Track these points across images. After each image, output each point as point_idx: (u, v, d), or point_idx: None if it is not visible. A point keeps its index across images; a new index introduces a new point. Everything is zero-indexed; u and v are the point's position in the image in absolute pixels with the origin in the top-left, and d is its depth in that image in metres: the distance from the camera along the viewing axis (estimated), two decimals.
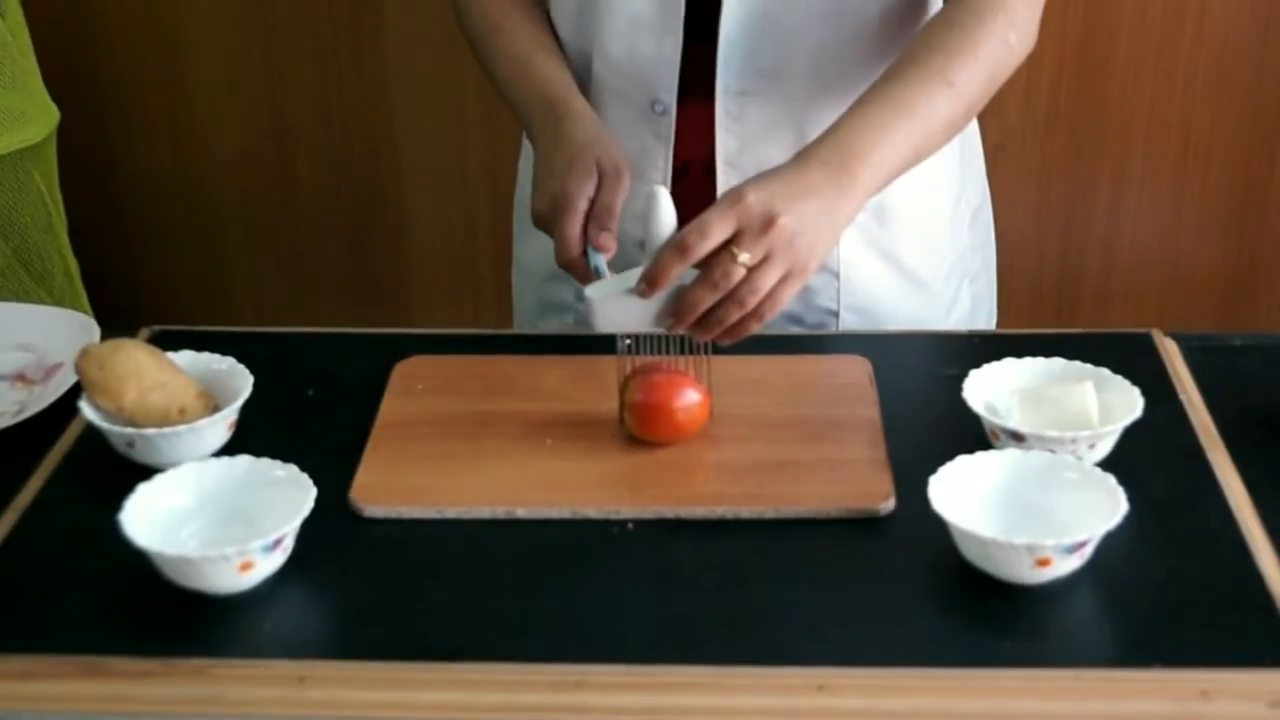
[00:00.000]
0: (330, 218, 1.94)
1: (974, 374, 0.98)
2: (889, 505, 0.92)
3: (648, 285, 0.93)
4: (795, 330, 1.17)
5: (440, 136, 1.88)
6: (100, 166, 1.92)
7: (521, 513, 0.91)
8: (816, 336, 1.15)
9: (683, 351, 0.97)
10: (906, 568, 0.87)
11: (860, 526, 0.90)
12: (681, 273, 0.92)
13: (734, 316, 0.93)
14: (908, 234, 1.18)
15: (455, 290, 1.96)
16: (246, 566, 0.85)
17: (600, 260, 0.97)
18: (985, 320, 1.29)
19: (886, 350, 1.08)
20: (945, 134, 1.02)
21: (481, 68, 1.14)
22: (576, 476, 0.94)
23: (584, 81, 1.12)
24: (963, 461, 0.90)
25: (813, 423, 0.99)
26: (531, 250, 1.22)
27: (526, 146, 1.21)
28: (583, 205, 0.99)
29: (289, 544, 0.88)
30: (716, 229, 0.91)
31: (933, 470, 0.88)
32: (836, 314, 1.18)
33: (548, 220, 1.00)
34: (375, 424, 1.00)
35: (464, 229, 1.92)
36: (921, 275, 1.19)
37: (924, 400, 1.02)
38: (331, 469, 0.93)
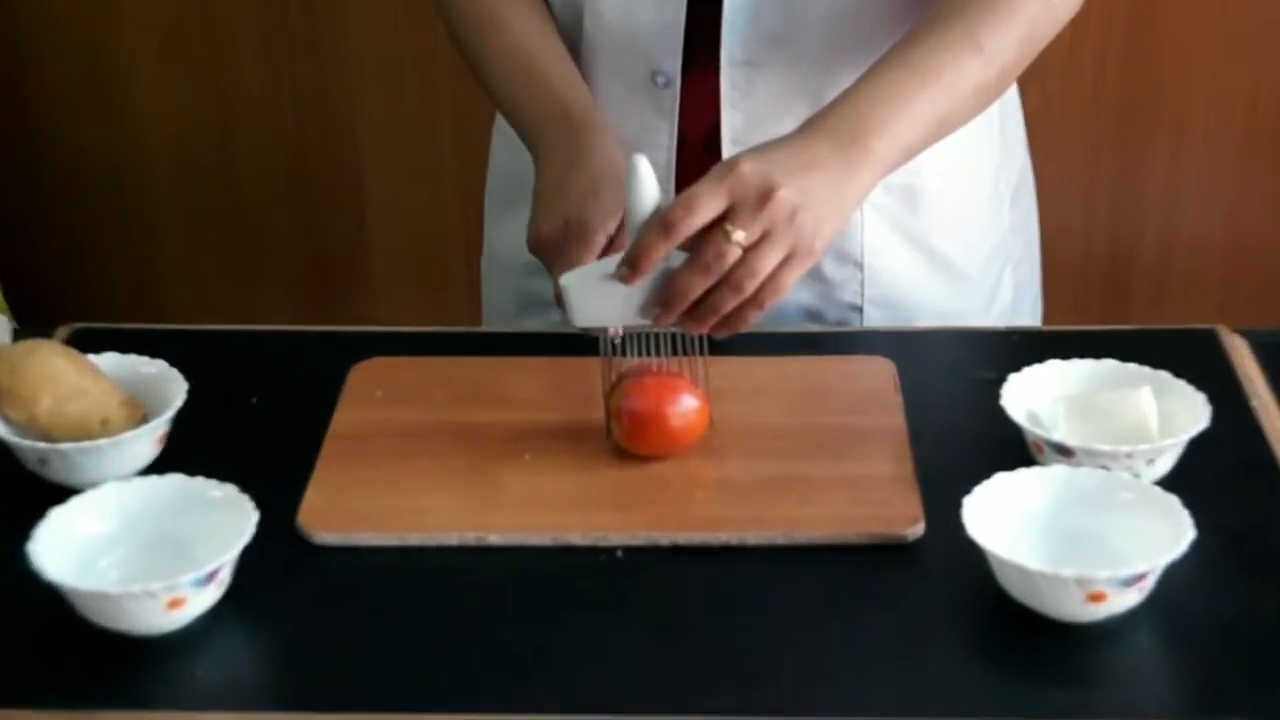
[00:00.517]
0: (279, 203, 1.94)
1: (1014, 378, 0.98)
2: (917, 530, 0.92)
3: (629, 269, 0.92)
4: (812, 328, 1.17)
5: (406, 112, 1.89)
6: (17, 144, 1.92)
7: (495, 539, 0.92)
8: (833, 334, 1.15)
9: (677, 351, 0.97)
10: (937, 603, 0.87)
11: (884, 555, 0.90)
12: (667, 254, 0.92)
13: (730, 303, 0.92)
14: (940, 216, 1.18)
15: (421, 283, 1.97)
16: (176, 604, 0.85)
17: (608, 332, 0.97)
18: (1030, 312, 1.29)
19: (913, 350, 1.08)
20: (975, 103, 1.02)
21: (468, 66, 1.13)
22: (558, 496, 0.94)
23: (574, 50, 1.12)
24: (1001, 480, 0.90)
25: (829, 433, 0.99)
26: (507, 238, 1.22)
27: (501, 121, 1.21)
28: (601, 241, 0.99)
29: (226, 577, 0.88)
30: (706, 203, 0.90)
31: (966, 490, 0.88)
32: (860, 309, 1.18)
33: (553, 247, 1.01)
34: (327, 436, 1.00)
35: (431, 215, 1.93)
36: (957, 263, 1.19)
37: (956, 408, 1.02)
38: (277, 489, 0.94)
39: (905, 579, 0.89)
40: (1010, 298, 1.25)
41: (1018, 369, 0.99)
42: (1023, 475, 0.90)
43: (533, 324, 1.22)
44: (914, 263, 1.18)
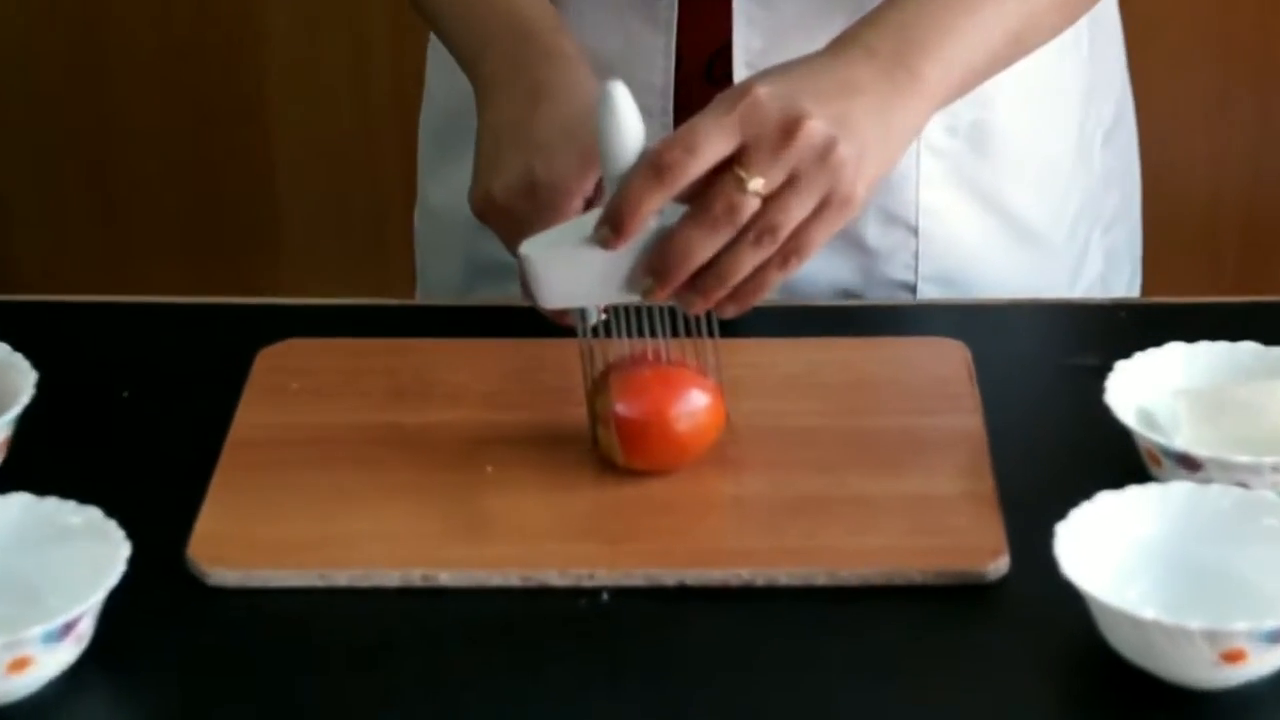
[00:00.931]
0: (164, 146, 1.97)
1: (1122, 366, 0.97)
2: (1000, 567, 0.91)
3: (611, 230, 0.91)
4: (853, 304, 1.17)
5: (326, 29, 1.92)
6: None
7: (446, 578, 0.91)
8: (885, 308, 1.14)
9: (680, 332, 0.96)
10: (1024, 661, 0.86)
11: (957, 600, 0.89)
12: (660, 208, 0.90)
13: (744, 270, 0.91)
14: (1014, 163, 1.17)
15: (343, 244, 2.00)
16: (20, 664, 0.83)
17: (592, 312, 0.98)
18: (1126, 286, 1.29)
19: (988, 329, 1.07)
20: (1058, 16, 1.02)
21: None
22: (530, 522, 0.94)
23: None
24: (1105, 502, 0.89)
25: (883, 439, 0.99)
26: (448, 189, 1.21)
27: (437, 44, 1.21)
28: (577, 207, 0.99)
29: (87, 630, 0.86)
30: (713, 140, 0.89)
31: (1058, 514, 0.86)
32: (913, 287, 1.18)
33: (509, 214, 0.99)
34: (226, 443, 1.00)
35: (357, 156, 1.95)
36: (1035, 224, 1.19)
37: (1045, 406, 1.02)
38: (157, 513, 0.93)
39: (984, 631, 0.88)
40: (1100, 268, 1.25)
41: (1126, 354, 0.98)
42: (1133, 495, 0.89)
43: (486, 296, 1.21)
44: (983, 225, 1.18)
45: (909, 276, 1.17)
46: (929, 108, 0.96)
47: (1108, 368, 0.97)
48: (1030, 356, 1.06)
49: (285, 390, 1.03)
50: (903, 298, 1.17)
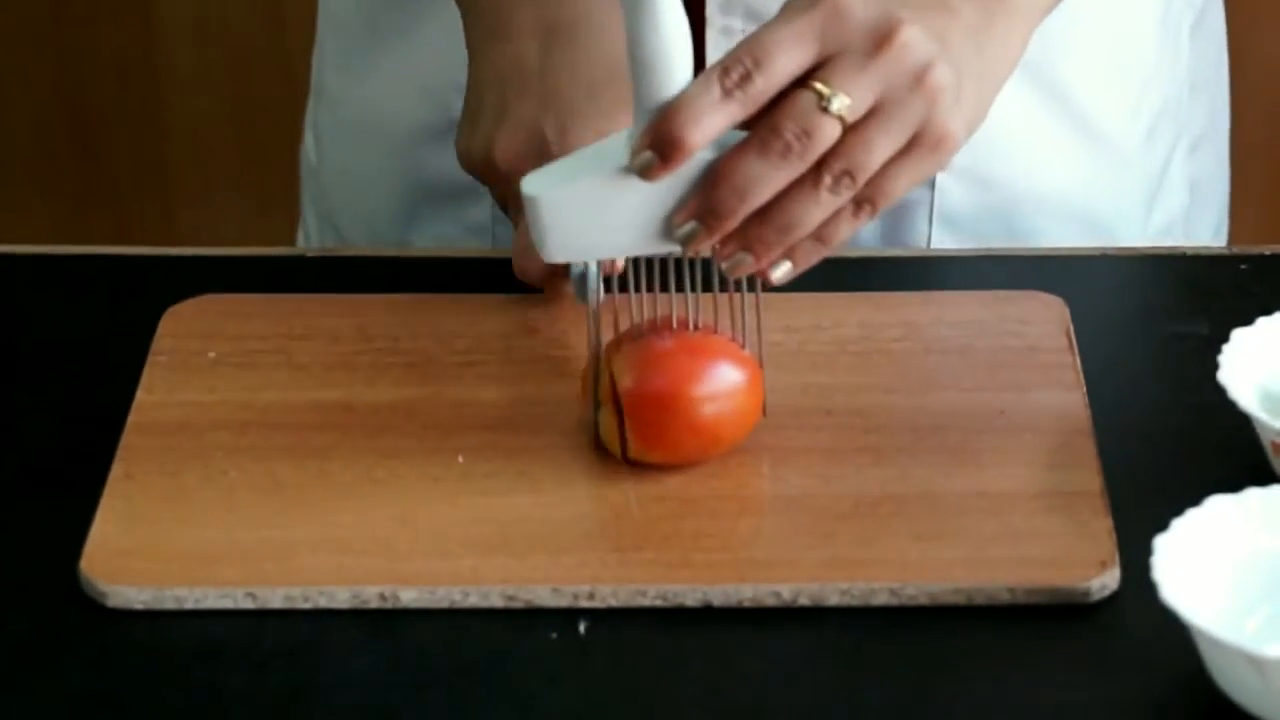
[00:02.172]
0: (32, 62, 1.97)
1: (1240, 336, 0.95)
2: (1109, 583, 0.88)
3: (659, 156, 0.87)
4: (880, 251, 1.14)
5: None
6: None
7: (410, 597, 0.88)
8: (950, 259, 1.12)
9: (709, 287, 0.95)
10: (1139, 698, 0.84)
11: (1053, 622, 0.87)
12: (723, 131, 0.88)
13: (813, 217, 0.89)
14: (1082, 36, 1.15)
15: (248, 175, 1.98)
16: None
17: (593, 266, 0.96)
18: (1213, 225, 1.27)
19: (1064, 285, 1.05)
20: None
21: None
22: (514, 526, 0.92)
23: None
24: (1217, 508, 0.86)
25: (958, 423, 0.97)
26: (382, 75, 1.20)
27: None
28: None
29: None
30: (787, 49, 0.88)
31: (1159, 524, 0.84)
32: (932, 182, 1.14)
33: (516, 177, 0.97)
34: (125, 428, 0.97)
35: (266, 63, 1.94)
36: (1103, 121, 1.17)
37: (1143, 385, 1.01)
38: (39, 518, 0.93)
39: (1084, 660, 0.85)
40: (1183, 198, 1.22)
41: (1247, 320, 0.95)
42: (1252, 499, 0.86)
43: (437, 234, 1.20)
44: (1043, 119, 1.15)
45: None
46: (1024, 33, 0.95)
47: (1223, 337, 0.95)
48: (1123, 321, 1.05)
49: (199, 360, 1.01)
50: (915, 195, 1.14)
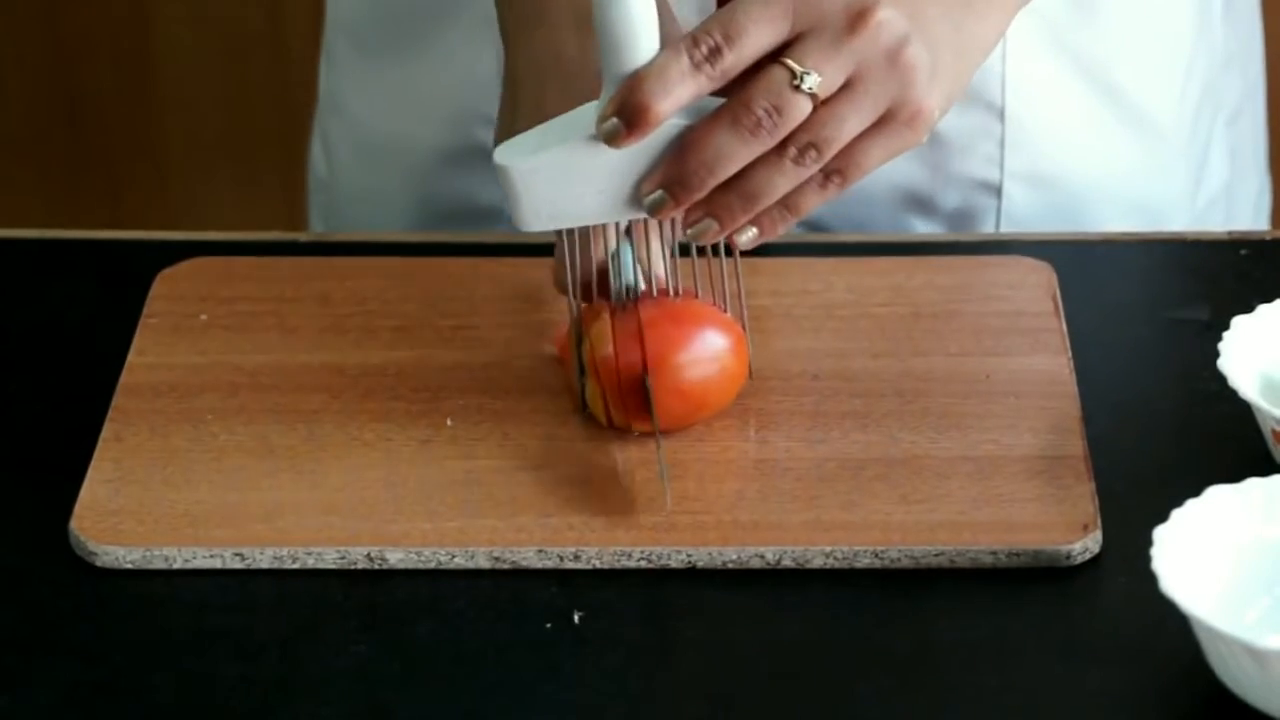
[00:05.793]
0: (26, 44, 1.96)
1: (1241, 323, 0.95)
2: (1090, 545, 0.89)
3: (625, 124, 0.88)
4: (873, 237, 1.14)
5: None
6: None
7: (398, 558, 0.89)
8: (952, 243, 1.12)
9: (689, 253, 0.96)
10: (1122, 672, 0.84)
11: (1035, 586, 0.88)
12: (692, 102, 0.89)
13: (778, 188, 0.90)
14: (1124, 26, 1.15)
15: (253, 158, 1.97)
16: None
17: (628, 254, 0.96)
18: (1253, 206, 1.27)
19: (1071, 269, 1.06)
20: None
21: None
22: (502, 487, 0.93)
23: None
24: (1217, 498, 0.86)
25: (944, 387, 0.98)
26: (395, 90, 1.21)
27: None
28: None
29: None
30: (759, 24, 0.88)
31: (1158, 514, 0.84)
32: (998, 188, 1.16)
33: None
34: (117, 389, 0.98)
35: (260, 45, 1.94)
36: (1151, 109, 1.17)
37: (1141, 373, 1.01)
38: (28, 479, 0.94)
39: (1067, 626, 0.86)
40: (1225, 176, 1.23)
41: (1248, 306, 0.96)
42: (1253, 489, 0.86)
43: (448, 228, 1.19)
44: (1086, 105, 1.15)
45: (993, 173, 1.15)
46: (1004, 17, 0.95)
47: (1223, 324, 0.95)
48: (1122, 306, 1.05)
49: (191, 322, 1.02)
50: (983, 203, 1.15)
